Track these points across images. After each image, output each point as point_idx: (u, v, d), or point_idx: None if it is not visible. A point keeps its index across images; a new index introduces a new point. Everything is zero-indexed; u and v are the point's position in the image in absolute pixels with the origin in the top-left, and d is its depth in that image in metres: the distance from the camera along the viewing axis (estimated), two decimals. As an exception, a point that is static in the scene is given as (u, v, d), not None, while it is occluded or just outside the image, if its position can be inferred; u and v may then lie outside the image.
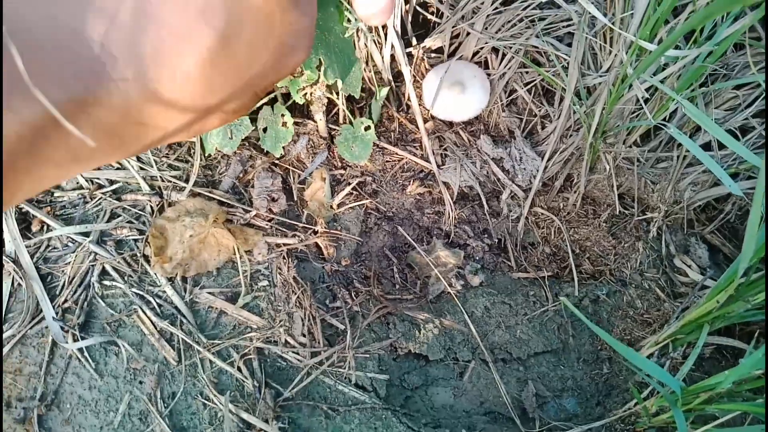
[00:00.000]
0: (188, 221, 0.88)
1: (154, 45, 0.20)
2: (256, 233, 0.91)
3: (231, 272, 0.91)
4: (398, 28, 0.90)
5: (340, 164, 1.00)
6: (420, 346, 0.89)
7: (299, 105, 0.94)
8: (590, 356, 0.94)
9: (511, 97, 1.02)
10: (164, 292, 0.87)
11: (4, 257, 0.86)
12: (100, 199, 0.93)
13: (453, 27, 0.95)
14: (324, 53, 0.78)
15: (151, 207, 0.92)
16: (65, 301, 0.85)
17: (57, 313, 0.84)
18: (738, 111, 0.90)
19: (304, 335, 0.86)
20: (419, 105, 0.97)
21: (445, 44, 0.99)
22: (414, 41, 0.98)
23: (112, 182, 0.94)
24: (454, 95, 0.94)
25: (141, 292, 0.86)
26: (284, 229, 0.93)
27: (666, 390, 0.70)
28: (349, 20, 0.79)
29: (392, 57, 0.94)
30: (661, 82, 0.80)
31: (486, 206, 0.99)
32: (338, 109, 0.99)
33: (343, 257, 0.94)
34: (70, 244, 0.89)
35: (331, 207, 0.96)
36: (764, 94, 0.87)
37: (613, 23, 0.80)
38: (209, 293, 0.88)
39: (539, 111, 1.00)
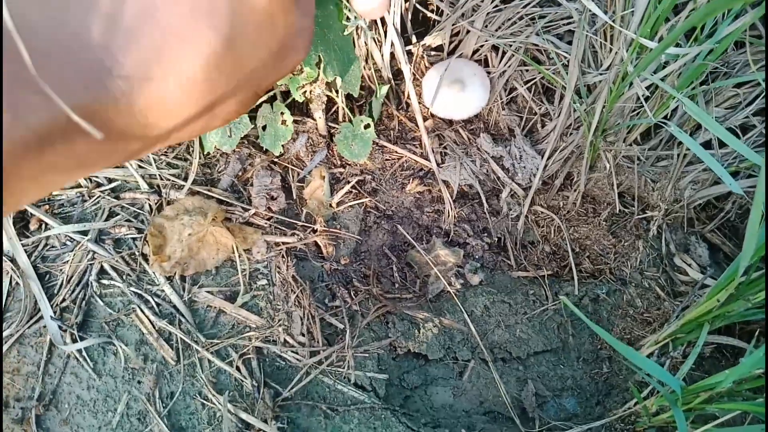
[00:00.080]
0: (187, 220, 0.88)
1: (158, 48, 0.20)
2: (255, 232, 0.91)
3: (230, 271, 0.90)
4: (398, 26, 0.90)
5: (339, 162, 1.00)
6: (419, 346, 0.89)
7: (298, 103, 0.94)
8: (590, 355, 0.93)
9: (511, 95, 1.01)
10: (163, 291, 0.87)
11: (3, 257, 0.86)
12: (98, 197, 0.92)
13: (453, 25, 0.94)
14: (323, 50, 0.77)
15: (150, 205, 0.92)
16: (63, 300, 0.85)
17: (55, 313, 0.83)
18: (738, 109, 0.89)
19: (303, 334, 0.86)
20: (419, 103, 0.96)
21: (444, 42, 0.98)
22: (414, 39, 0.98)
23: (110, 180, 0.94)
24: (454, 93, 0.94)
25: (139, 291, 0.86)
26: (283, 228, 0.93)
27: (666, 389, 0.70)
28: (348, 18, 0.78)
29: (392, 55, 0.94)
30: (662, 80, 0.80)
31: (486, 205, 0.99)
32: (337, 107, 0.99)
33: (342, 256, 0.94)
34: (68, 242, 0.89)
35: (331, 205, 0.96)
36: (765, 93, 0.87)
37: (613, 21, 0.79)
38: (208, 292, 0.88)
39: (539, 109, 1.00)
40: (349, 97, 0.98)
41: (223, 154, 0.97)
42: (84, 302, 0.85)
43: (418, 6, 0.97)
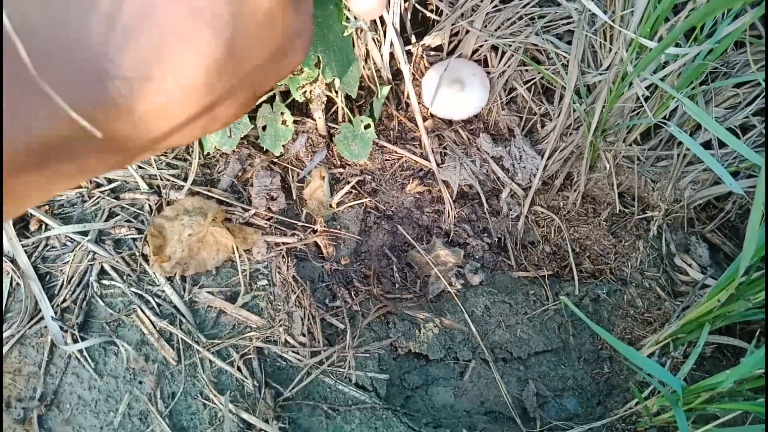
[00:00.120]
0: (187, 220, 0.88)
1: (157, 47, 0.20)
2: (255, 232, 0.91)
3: (230, 271, 0.91)
4: (397, 26, 0.90)
5: (339, 163, 1.00)
6: (420, 346, 0.89)
7: (298, 103, 0.94)
8: (591, 355, 0.93)
9: (510, 95, 1.01)
10: (163, 291, 0.87)
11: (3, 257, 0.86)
12: (98, 197, 0.92)
13: (452, 25, 0.94)
14: (323, 50, 0.77)
15: (150, 206, 0.92)
16: (64, 300, 0.85)
17: (56, 313, 0.83)
18: (738, 109, 0.89)
19: (303, 335, 0.86)
20: (418, 103, 0.96)
21: (444, 42, 0.98)
22: (413, 39, 0.98)
23: (110, 181, 0.94)
24: (454, 93, 0.94)
25: (140, 292, 0.86)
26: (283, 228, 0.93)
27: (667, 389, 0.70)
28: (348, 19, 0.78)
29: (391, 55, 0.94)
30: (662, 80, 0.80)
31: (486, 205, 0.99)
32: (337, 108, 0.99)
33: (342, 256, 0.94)
34: (68, 243, 0.89)
35: (331, 206, 0.96)
36: (765, 92, 0.87)
37: (613, 21, 0.79)
38: (208, 292, 0.88)
39: (539, 109, 1.00)
40: (348, 98, 0.98)
41: (222, 155, 0.97)
42: (85, 303, 0.85)
43: (417, 6, 0.97)
